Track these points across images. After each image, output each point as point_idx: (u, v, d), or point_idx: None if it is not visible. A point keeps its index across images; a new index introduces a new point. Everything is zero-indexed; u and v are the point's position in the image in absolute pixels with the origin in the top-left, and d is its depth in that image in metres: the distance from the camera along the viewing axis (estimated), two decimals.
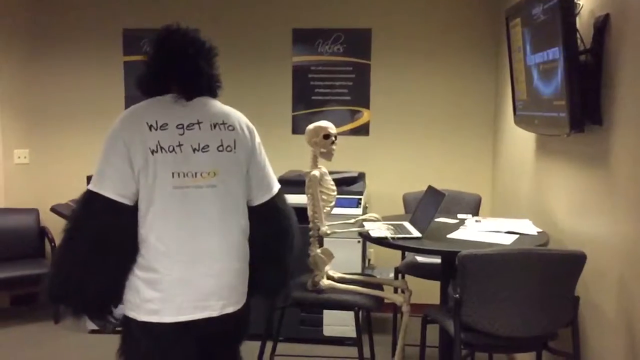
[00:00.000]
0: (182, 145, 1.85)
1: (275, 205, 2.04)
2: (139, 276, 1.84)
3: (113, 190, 1.80)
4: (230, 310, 1.92)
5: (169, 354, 1.86)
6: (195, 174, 1.86)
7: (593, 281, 2.41)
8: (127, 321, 1.88)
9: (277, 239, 2.05)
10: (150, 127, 1.83)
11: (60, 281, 1.82)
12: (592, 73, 2.39)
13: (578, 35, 2.42)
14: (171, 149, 1.84)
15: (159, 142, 1.83)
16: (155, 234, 1.82)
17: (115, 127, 1.87)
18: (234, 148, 1.93)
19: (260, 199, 2.01)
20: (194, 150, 1.87)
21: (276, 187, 2.07)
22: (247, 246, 1.97)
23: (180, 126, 1.86)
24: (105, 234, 1.80)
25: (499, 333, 2.28)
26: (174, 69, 1.89)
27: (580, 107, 2.37)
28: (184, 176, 1.84)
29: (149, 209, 1.82)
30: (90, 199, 1.81)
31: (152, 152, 1.82)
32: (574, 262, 2.27)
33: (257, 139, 2.03)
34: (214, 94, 2.00)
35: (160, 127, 1.84)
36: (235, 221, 1.93)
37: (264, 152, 2.06)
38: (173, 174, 1.83)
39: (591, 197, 2.48)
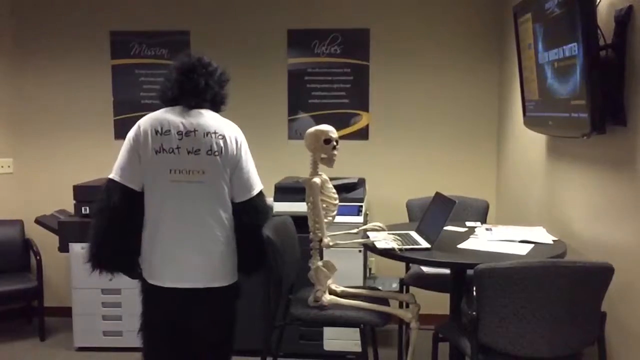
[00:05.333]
0: (179, 148, 2.30)
1: (254, 203, 2.41)
2: (146, 248, 2.35)
3: (126, 178, 2.30)
4: (217, 284, 2.35)
5: (166, 309, 2.36)
6: (188, 171, 2.30)
7: (618, 295, 2.24)
8: (143, 280, 2.39)
9: (253, 229, 2.42)
10: (157, 132, 2.31)
11: (96, 251, 2.33)
12: (614, 70, 2.24)
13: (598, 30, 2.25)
14: (171, 150, 2.29)
15: (162, 144, 2.29)
16: (154, 216, 2.32)
17: (132, 130, 2.35)
18: (221, 154, 2.33)
19: (241, 198, 2.39)
20: (189, 152, 2.30)
21: (257, 189, 2.43)
22: (229, 233, 2.37)
23: (180, 133, 2.31)
24: (122, 211, 2.29)
25: (520, 354, 2.10)
26: (184, 84, 2.33)
27: (602, 106, 2.21)
28: (179, 173, 2.30)
29: (151, 197, 2.32)
30: (110, 184, 2.31)
31: (156, 152, 2.30)
32: (600, 275, 2.09)
33: (244, 149, 2.41)
34: (216, 108, 2.42)
35: (164, 132, 2.30)
36: (218, 212, 2.34)
37: (250, 160, 2.43)
38: (171, 170, 2.29)
39: (614, 203, 2.32)
